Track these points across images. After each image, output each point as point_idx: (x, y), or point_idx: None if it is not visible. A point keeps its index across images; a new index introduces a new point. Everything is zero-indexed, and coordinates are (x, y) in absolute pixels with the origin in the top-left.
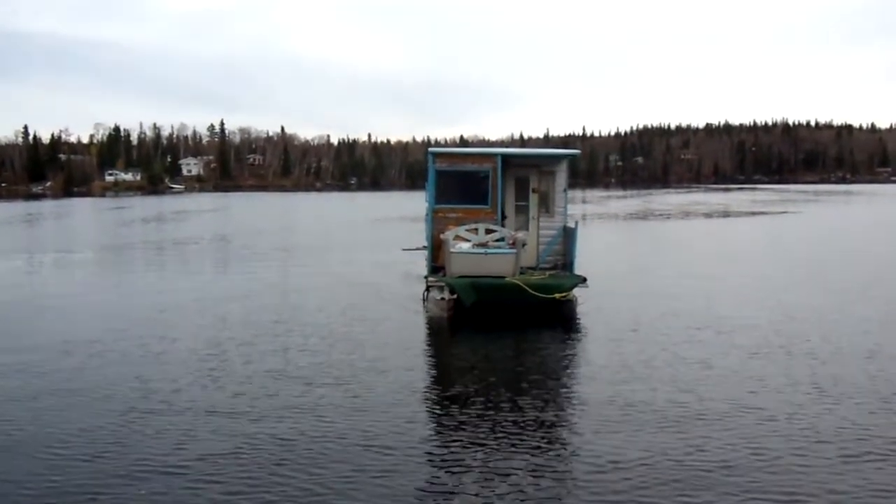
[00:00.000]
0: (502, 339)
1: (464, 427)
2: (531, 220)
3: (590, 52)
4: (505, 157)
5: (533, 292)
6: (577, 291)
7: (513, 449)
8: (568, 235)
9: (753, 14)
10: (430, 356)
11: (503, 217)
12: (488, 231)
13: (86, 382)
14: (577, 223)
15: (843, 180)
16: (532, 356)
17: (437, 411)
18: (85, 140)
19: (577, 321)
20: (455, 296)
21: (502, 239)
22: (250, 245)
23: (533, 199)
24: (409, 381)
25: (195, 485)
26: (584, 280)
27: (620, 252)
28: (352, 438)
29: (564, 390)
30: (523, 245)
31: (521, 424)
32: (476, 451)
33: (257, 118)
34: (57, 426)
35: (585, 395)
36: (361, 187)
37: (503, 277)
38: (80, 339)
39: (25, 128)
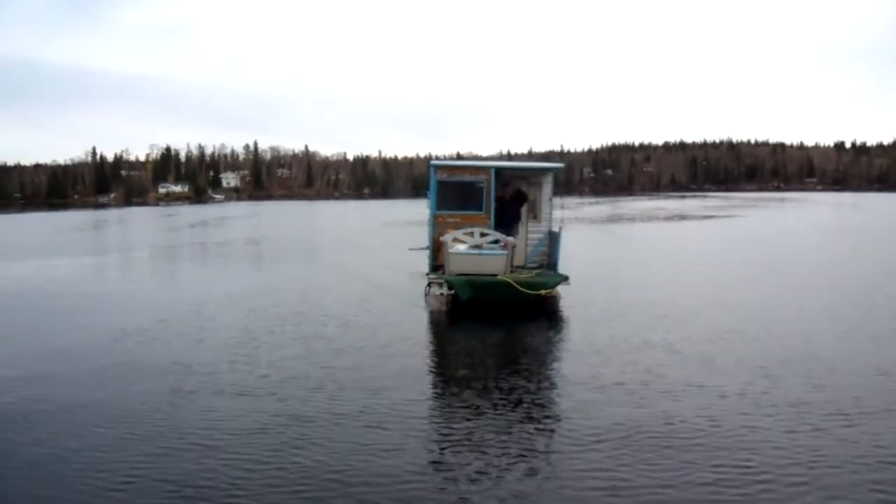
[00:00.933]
0: (494, 329)
1: (460, 404)
2: (521, 225)
3: (566, 80)
4: (498, 169)
5: (521, 289)
6: (560, 288)
7: (503, 424)
8: (552, 238)
9: (702, 47)
10: (430, 344)
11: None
12: (483, 234)
13: (135, 366)
14: (560, 227)
15: (777, 189)
16: (520, 344)
17: (437, 392)
18: (142, 158)
19: (560, 314)
20: (453, 292)
21: (496, 241)
22: (279, 246)
23: (523, 207)
24: (413, 365)
25: (230, 458)
26: (567, 278)
27: (596, 252)
28: (364, 416)
29: (548, 373)
30: (513, 247)
31: (511, 402)
32: (471, 425)
33: (285, 138)
34: (112, 404)
35: (565, 377)
36: (373, 196)
37: (495, 275)
38: (133, 327)
39: (93, 149)
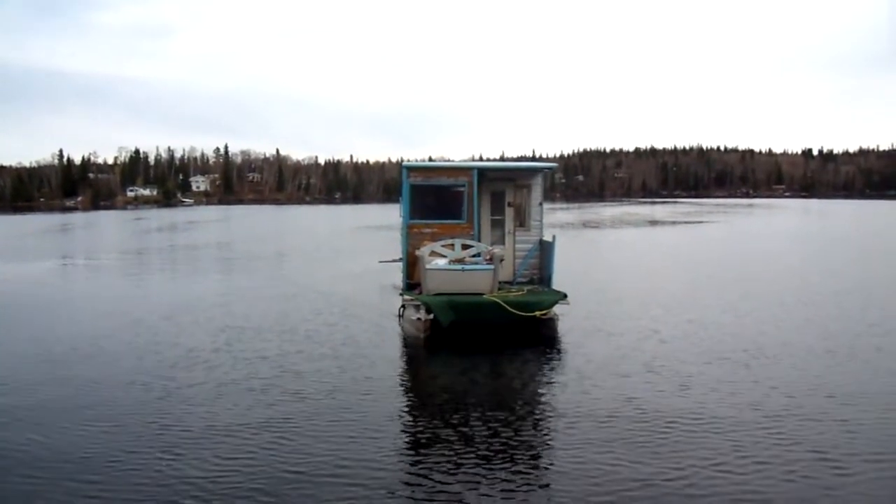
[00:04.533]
0: (481, 360)
1: (437, 454)
2: (507, 235)
3: (537, 85)
4: (481, 170)
5: (513, 310)
6: (557, 308)
7: (490, 476)
8: (544, 249)
9: (673, 54)
10: (405, 380)
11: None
12: (464, 246)
13: (54, 407)
14: (554, 237)
15: (746, 195)
16: (512, 380)
17: (411, 438)
18: (110, 161)
19: (559, 341)
20: (432, 315)
21: (479, 254)
22: (244, 253)
23: (509, 213)
24: (384, 406)
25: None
26: (565, 296)
27: (586, 263)
28: (326, 469)
29: (545, 417)
30: (500, 260)
31: (499, 453)
32: (450, 479)
33: (256, 142)
34: (62, 439)
35: (565, 421)
36: (345, 201)
37: (481, 295)
38: (62, 348)
39: (60, 151)
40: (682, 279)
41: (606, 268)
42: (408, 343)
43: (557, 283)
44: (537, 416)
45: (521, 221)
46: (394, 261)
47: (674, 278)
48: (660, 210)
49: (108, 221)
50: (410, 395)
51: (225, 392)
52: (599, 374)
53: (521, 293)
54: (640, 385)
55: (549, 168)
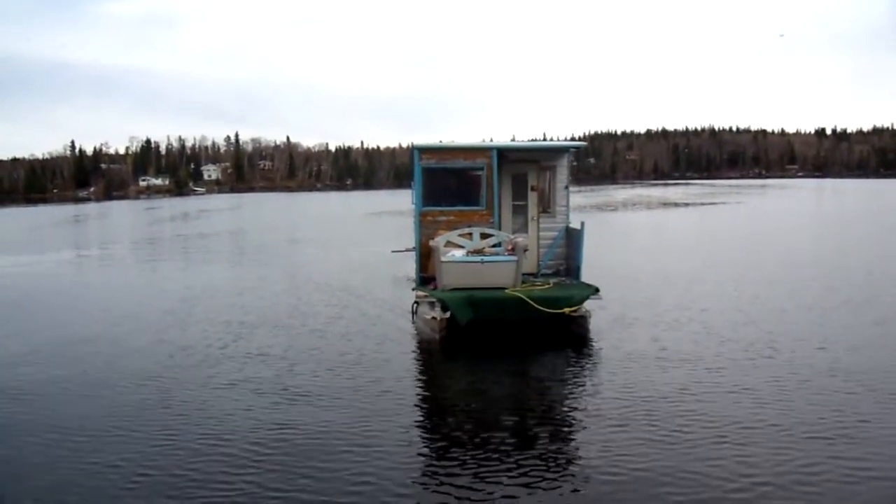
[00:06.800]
0: (504, 365)
1: (452, 466)
2: (530, 222)
3: (548, 67)
4: (501, 151)
5: (538, 307)
6: (588, 304)
7: (513, 488)
8: (572, 237)
9: (683, 34)
10: (418, 388)
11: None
12: (484, 235)
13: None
14: (582, 223)
15: (759, 176)
16: (538, 385)
17: (425, 450)
18: (122, 151)
19: (591, 341)
20: (448, 313)
21: (499, 244)
22: (257, 241)
23: (532, 198)
24: (396, 417)
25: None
26: (597, 290)
27: (613, 251)
28: (330, 477)
29: (578, 432)
30: (524, 250)
31: (522, 464)
32: (471, 492)
33: (266, 130)
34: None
35: (604, 439)
36: (356, 187)
37: (503, 289)
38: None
39: (72, 142)
40: (708, 264)
41: (630, 253)
42: (421, 344)
43: (586, 275)
44: (566, 426)
45: (546, 207)
46: (407, 250)
47: (701, 263)
48: (673, 192)
49: (120, 211)
50: (423, 403)
51: (230, 393)
52: (633, 377)
53: (547, 287)
54: (676, 386)
55: (577, 147)
